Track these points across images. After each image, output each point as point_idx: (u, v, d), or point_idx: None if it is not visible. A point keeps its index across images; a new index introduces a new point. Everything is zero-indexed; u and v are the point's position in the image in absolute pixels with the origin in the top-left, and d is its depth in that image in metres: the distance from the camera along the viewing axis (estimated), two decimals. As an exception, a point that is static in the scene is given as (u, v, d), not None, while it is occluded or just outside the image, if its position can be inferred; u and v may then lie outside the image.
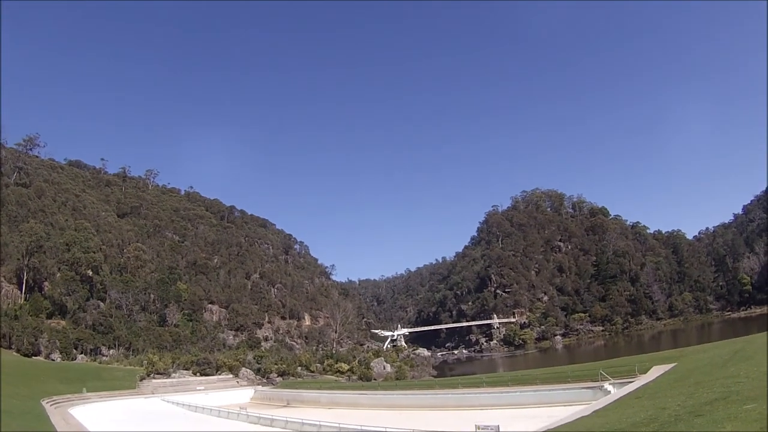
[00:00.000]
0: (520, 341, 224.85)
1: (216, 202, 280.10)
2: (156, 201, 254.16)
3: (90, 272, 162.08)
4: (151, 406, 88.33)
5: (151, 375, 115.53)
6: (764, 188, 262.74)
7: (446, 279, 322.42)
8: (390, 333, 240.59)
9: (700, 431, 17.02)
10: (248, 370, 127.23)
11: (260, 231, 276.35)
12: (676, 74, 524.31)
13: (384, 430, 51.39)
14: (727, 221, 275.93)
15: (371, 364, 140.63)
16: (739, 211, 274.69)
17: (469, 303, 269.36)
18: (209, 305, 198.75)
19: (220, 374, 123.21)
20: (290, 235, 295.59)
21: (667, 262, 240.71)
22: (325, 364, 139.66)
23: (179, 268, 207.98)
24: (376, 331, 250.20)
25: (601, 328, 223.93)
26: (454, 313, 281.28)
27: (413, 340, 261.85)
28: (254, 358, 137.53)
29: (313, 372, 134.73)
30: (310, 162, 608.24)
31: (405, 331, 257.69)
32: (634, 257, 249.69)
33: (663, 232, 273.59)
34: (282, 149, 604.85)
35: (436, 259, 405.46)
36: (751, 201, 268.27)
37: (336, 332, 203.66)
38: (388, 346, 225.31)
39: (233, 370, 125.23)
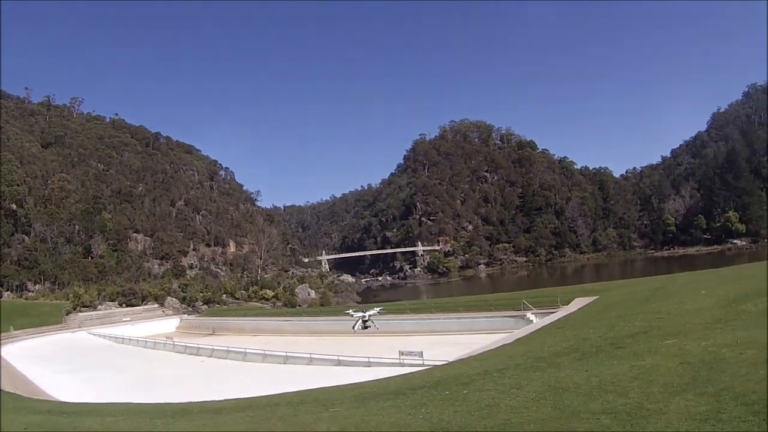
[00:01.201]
0: (444, 269, 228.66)
1: (141, 129, 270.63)
2: (81, 129, 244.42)
3: (14, 206, 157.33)
4: (78, 341, 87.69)
5: (78, 308, 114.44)
6: (693, 134, 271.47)
7: (372, 206, 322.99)
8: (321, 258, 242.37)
9: (621, 362, 17.55)
10: (174, 299, 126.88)
11: (185, 157, 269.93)
12: (612, 16, 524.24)
13: (309, 355, 52.37)
14: (654, 163, 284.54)
15: (296, 290, 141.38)
16: (668, 154, 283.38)
17: (394, 230, 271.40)
18: (134, 234, 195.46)
19: (146, 304, 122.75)
20: (215, 161, 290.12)
21: (593, 198, 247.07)
22: (250, 291, 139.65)
23: (104, 197, 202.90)
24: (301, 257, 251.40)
25: (524, 258, 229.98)
26: (378, 240, 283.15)
27: (338, 266, 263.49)
28: (179, 287, 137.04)
29: (238, 299, 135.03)
30: (236, 87, 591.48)
31: (330, 257, 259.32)
32: (560, 191, 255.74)
33: (590, 168, 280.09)
34: (208, 74, 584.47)
35: (362, 186, 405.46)
36: (680, 145, 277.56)
37: (261, 259, 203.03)
38: (325, 269, 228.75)
39: (159, 300, 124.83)
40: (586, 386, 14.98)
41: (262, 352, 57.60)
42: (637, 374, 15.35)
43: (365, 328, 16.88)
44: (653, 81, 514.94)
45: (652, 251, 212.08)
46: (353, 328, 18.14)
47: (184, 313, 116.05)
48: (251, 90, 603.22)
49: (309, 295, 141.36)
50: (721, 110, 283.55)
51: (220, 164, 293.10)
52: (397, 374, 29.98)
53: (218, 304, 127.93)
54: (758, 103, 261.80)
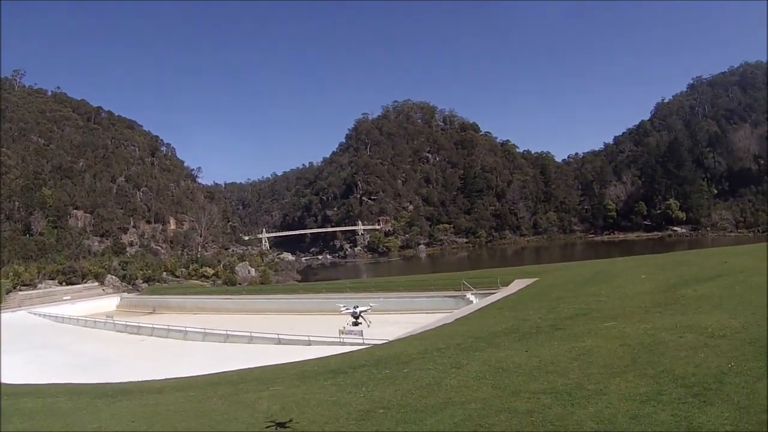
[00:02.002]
0: (385, 249, 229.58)
1: (83, 102, 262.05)
2: (22, 103, 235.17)
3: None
4: (17, 320, 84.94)
5: (18, 287, 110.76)
6: (637, 123, 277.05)
7: (312, 184, 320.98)
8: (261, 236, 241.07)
9: (561, 343, 17.76)
10: (114, 277, 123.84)
11: (127, 132, 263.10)
12: (558, 5, 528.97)
13: (249, 334, 52.13)
14: (597, 149, 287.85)
15: (236, 268, 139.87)
16: (610, 141, 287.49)
17: (335, 209, 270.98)
18: (74, 211, 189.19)
19: (86, 282, 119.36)
20: (157, 136, 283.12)
21: (534, 182, 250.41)
22: (190, 268, 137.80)
23: (44, 173, 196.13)
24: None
25: (465, 240, 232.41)
26: (319, 218, 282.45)
27: (278, 244, 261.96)
28: (120, 265, 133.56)
29: (178, 277, 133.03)
30: (177, 60, 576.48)
31: (270, 235, 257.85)
32: (501, 174, 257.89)
33: (532, 152, 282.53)
34: (149, 46, 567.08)
35: (303, 164, 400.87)
36: (623, 133, 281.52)
37: (201, 236, 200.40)
38: (265, 247, 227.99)
39: (99, 278, 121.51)
40: (527, 366, 15.14)
41: (203, 330, 57.24)
42: (577, 355, 15.56)
43: (356, 325, 16.75)
44: (598, 69, 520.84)
45: (592, 236, 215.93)
46: (343, 327, 18.02)
47: (124, 292, 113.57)
48: (192, 64, 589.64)
49: (249, 273, 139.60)
50: (665, 101, 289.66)
51: (162, 140, 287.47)
52: (337, 353, 30.17)
53: (158, 282, 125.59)
54: (702, 95, 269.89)
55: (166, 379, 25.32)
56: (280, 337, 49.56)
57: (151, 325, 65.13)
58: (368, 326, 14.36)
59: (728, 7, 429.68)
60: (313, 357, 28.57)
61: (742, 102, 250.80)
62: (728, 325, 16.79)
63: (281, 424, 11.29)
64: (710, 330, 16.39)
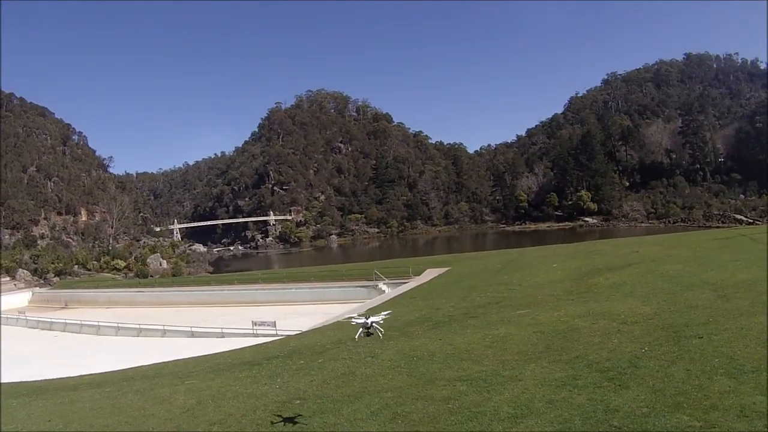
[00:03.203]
0: (296, 239, 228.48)
1: None
2: None
3: None
4: None
5: None
6: (550, 116, 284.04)
7: (224, 174, 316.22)
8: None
9: (473, 330, 17.94)
10: (25, 271, 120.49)
11: (39, 120, 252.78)
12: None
13: (162, 327, 51.72)
14: (509, 141, 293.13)
15: (148, 260, 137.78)
16: (523, 133, 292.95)
17: (247, 199, 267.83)
18: None
19: None
20: (69, 124, 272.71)
21: (446, 172, 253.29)
22: (102, 261, 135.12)
23: None
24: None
25: (376, 230, 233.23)
26: (231, 208, 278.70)
27: (190, 235, 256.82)
28: (31, 258, 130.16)
29: (90, 270, 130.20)
30: (90, 44, 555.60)
31: (181, 226, 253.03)
32: (413, 164, 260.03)
33: (445, 143, 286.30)
34: (61, 31, 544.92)
35: (215, 154, 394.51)
36: (536, 125, 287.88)
37: (112, 228, 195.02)
38: (177, 238, 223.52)
39: (10, 272, 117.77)
40: (441, 354, 15.30)
41: (116, 325, 57.07)
42: (491, 343, 15.78)
43: (368, 335, 16.40)
44: (512, 62, 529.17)
45: (504, 226, 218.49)
46: (355, 337, 17.69)
47: (36, 286, 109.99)
48: (102, 48, 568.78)
49: (161, 265, 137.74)
50: (579, 95, 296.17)
51: (74, 128, 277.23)
52: (251, 344, 30.07)
53: (70, 275, 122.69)
54: (616, 90, 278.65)
55: (81, 376, 24.86)
56: (194, 330, 49.78)
57: (63, 321, 64.34)
58: (381, 337, 14.22)
59: (645, 5, 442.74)
60: (227, 349, 28.50)
61: (656, 98, 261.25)
62: (640, 311, 17.38)
63: (290, 420, 11.03)
64: (623, 316, 16.93)
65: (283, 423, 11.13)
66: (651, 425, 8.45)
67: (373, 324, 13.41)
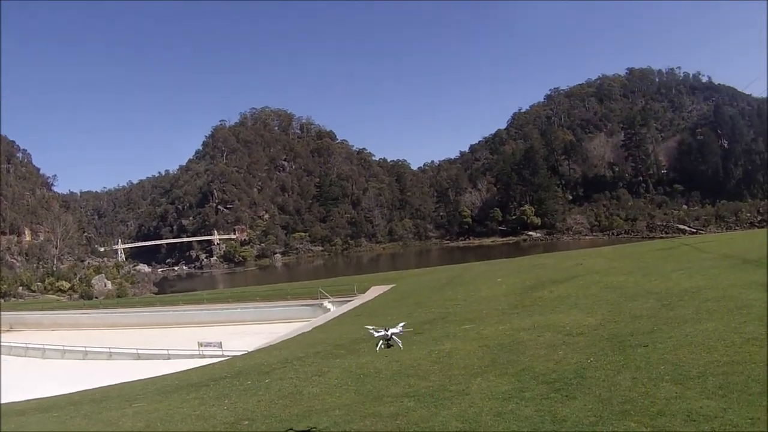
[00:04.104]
0: (241, 258, 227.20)
1: None
2: None
3: None
4: None
5: None
6: (492, 132, 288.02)
7: (168, 192, 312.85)
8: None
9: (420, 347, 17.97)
10: None
11: None
12: (417, 13, 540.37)
13: (108, 350, 51.34)
14: (453, 157, 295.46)
15: (92, 281, 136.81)
16: (466, 149, 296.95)
17: (191, 218, 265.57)
18: None
19: None
20: (13, 141, 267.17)
21: (390, 190, 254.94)
22: (46, 282, 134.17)
23: None
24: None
25: (320, 248, 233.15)
26: (175, 228, 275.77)
27: (134, 255, 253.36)
28: None
29: (34, 291, 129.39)
30: (34, 58, 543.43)
31: (125, 246, 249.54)
32: (357, 182, 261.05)
33: (388, 160, 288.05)
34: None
35: (159, 172, 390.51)
36: (479, 141, 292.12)
37: (57, 248, 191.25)
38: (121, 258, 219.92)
39: None
40: (388, 371, 15.29)
41: (62, 348, 56.49)
42: (437, 358, 15.83)
43: (388, 347, 16.16)
44: (455, 79, 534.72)
45: (448, 241, 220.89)
46: (376, 347, 17.25)
47: None
48: (47, 67, 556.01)
49: (106, 286, 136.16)
50: (522, 110, 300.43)
51: (18, 145, 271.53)
52: (197, 366, 29.75)
53: (14, 297, 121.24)
54: (559, 105, 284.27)
55: (28, 400, 24.21)
56: (140, 352, 49.57)
57: (8, 344, 62.84)
58: (401, 348, 14.17)
59: (587, 22, 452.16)
60: (174, 371, 28.18)
61: (599, 112, 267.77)
62: (585, 323, 17.64)
63: None
64: (568, 328, 17.16)
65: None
66: (599, 433, 8.55)
67: (393, 336, 13.49)
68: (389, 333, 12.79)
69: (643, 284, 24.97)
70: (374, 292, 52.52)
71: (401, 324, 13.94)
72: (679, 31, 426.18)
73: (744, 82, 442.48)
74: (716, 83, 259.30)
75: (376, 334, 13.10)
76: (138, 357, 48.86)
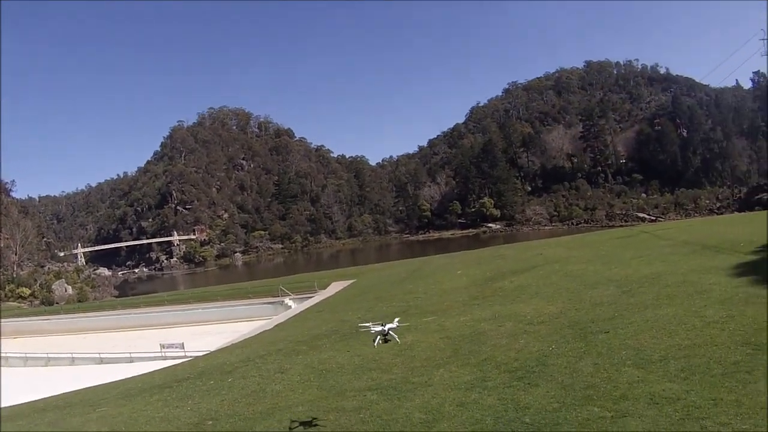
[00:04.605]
0: (201, 258, 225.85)
1: None
2: None
3: None
4: None
5: None
6: (451, 126, 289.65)
7: (127, 195, 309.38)
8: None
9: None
10: None
11: None
12: (381, 12, 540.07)
13: (71, 355, 51.24)
14: (411, 152, 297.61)
15: (53, 287, 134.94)
16: (425, 144, 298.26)
17: (150, 220, 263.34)
18: None
19: None
20: None
21: (349, 186, 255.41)
22: (6, 290, 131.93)
23: None
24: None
25: (280, 245, 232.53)
26: (134, 230, 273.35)
27: (94, 259, 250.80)
28: None
29: None
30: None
31: (85, 250, 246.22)
32: (316, 179, 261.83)
33: (347, 156, 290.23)
34: None
35: (118, 174, 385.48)
36: (437, 136, 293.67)
37: (16, 255, 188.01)
38: (81, 262, 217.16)
39: None
40: (350, 366, 15.38)
41: (24, 355, 56.18)
42: (399, 351, 15.83)
43: (386, 342, 15.92)
44: (413, 74, 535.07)
45: (408, 235, 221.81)
46: (373, 343, 16.95)
47: None
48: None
49: (66, 291, 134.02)
50: (480, 104, 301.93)
51: None
52: (160, 367, 29.50)
53: None
54: (517, 98, 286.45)
55: None
56: (102, 356, 49.16)
57: None
58: (398, 343, 14.10)
59: (545, 14, 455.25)
60: (137, 374, 27.87)
61: (557, 105, 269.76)
62: (546, 311, 17.77)
63: (307, 423, 10.71)
64: (529, 317, 17.27)
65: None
66: (562, 419, 8.63)
67: (390, 331, 13.51)
68: (386, 328, 12.87)
69: (603, 272, 25.20)
70: (335, 287, 52.49)
71: (397, 319, 14.02)
72: (637, 24, 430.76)
73: (702, 72, 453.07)
74: (674, 74, 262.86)
75: (374, 330, 13.15)
76: (101, 361, 48.34)
